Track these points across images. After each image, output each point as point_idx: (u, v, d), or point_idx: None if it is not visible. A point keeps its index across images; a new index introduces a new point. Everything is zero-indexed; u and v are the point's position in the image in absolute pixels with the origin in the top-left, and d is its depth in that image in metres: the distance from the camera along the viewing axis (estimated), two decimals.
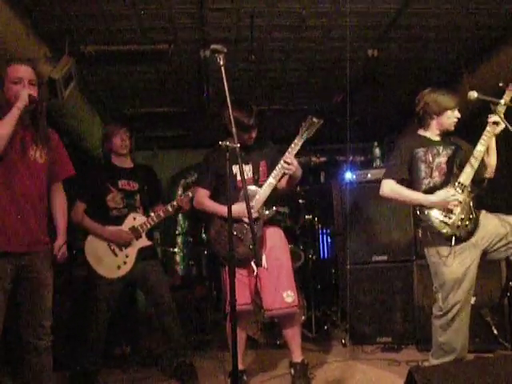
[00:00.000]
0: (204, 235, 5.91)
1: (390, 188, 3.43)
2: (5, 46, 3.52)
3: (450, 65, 5.04)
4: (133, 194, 3.99)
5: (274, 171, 3.48)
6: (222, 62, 2.63)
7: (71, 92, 4.38)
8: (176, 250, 7.07)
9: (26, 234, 2.75)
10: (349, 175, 5.00)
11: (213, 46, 2.65)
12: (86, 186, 3.97)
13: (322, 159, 6.82)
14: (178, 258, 7.44)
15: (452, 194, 3.22)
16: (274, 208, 3.56)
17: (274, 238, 3.61)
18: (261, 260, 3.20)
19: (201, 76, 5.02)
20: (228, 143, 2.66)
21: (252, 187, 3.51)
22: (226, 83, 2.60)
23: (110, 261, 3.84)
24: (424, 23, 4.24)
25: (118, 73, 4.99)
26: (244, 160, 3.51)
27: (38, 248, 2.83)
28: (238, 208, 3.33)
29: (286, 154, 3.45)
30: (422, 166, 3.40)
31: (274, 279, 3.50)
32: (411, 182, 3.43)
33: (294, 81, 5.46)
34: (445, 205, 3.22)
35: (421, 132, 3.52)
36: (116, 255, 3.85)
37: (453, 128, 3.45)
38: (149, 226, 3.92)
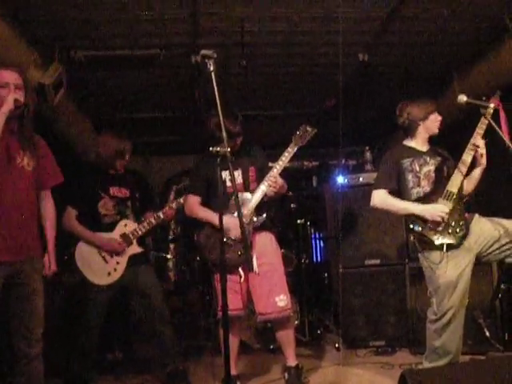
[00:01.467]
0: None
1: (380, 198, 3.49)
2: None
3: (440, 69, 5.06)
4: (124, 201, 3.98)
5: (266, 178, 3.50)
6: (211, 68, 2.62)
7: (61, 97, 4.36)
8: (168, 255, 7.04)
9: (16, 243, 2.73)
10: (341, 179, 5.01)
11: (203, 52, 2.64)
12: (77, 193, 3.95)
13: (314, 163, 6.86)
14: (170, 264, 7.41)
15: (440, 210, 3.23)
16: (265, 215, 3.57)
17: (266, 243, 3.62)
18: (252, 265, 3.20)
19: (192, 81, 5.01)
20: (218, 148, 2.66)
21: (243, 194, 3.52)
22: (215, 89, 2.60)
23: (101, 268, 3.82)
24: (415, 28, 4.25)
25: (109, 78, 4.97)
26: (233, 166, 3.52)
27: (28, 255, 2.81)
28: (228, 220, 3.33)
29: (274, 170, 3.49)
30: (409, 176, 3.45)
31: (266, 284, 3.51)
32: (401, 193, 3.47)
33: (286, 86, 5.46)
34: (433, 217, 3.23)
35: (407, 142, 3.59)
36: (106, 262, 3.84)
37: (437, 131, 3.51)
38: (140, 232, 3.91)
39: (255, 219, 3.54)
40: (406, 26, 4.23)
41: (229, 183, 3.54)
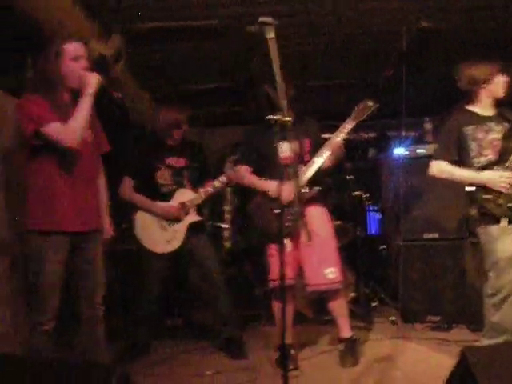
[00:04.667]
0: None
1: (438, 168, 3.38)
2: (57, 25, 3.56)
3: (508, 34, 4.80)
4: (181, 171, 4.03)
5: (321, 151, 3.45)
6: (270, 35, 2.57)
7: (121, 69, 4.42)
8: (225, 225, 7.12)
9: (83, 213, 2.81)
10: (399, 150, 4.90)
11: (261, 19, 2.59)
12: (134, 163, 4.03)
13: (372, 135, 6.72)
14: (226, 234, 7.49)
15: (500, 176, 3.10)
16: (317, 187, 3.53)
17: (317, 216, 3.60)
18: (307, 235, 3.19)
19: (249, 51, 4.97)
20: (276, 117, 2.59)
21: (298, 166, 3.49)
22: (275, 57, 2.55)
23: (160, 236, 3.91)
24: None
25: (167, 49, 5.00)
26: (289, 137, 3.50)
27: (96, 226, 2.91)
28: (283, 188, 3.31)
29: (337, 137, 3.41)
30: (472, 145, 3.29)
31: (316, 255, 3.50)
32: (462, 161, 3.33)
33: (345, 54, 5.35)
34: (494, 185, 3.11)
35: (470, 107, 3.41)
36: (165, 230, 3.91)
37: (503, 94, 3.32)
38: (198, 201, 3.96)
39: (307, 191, 3.51)
40: None
41: (282, 154, 3.51)
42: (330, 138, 3.50)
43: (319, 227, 3.55)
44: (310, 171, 3.49)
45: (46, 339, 2.70)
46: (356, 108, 3.50)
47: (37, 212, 2.72)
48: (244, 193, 6.68)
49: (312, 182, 3.52)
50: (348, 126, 3.47)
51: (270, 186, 3.51)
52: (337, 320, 3.66)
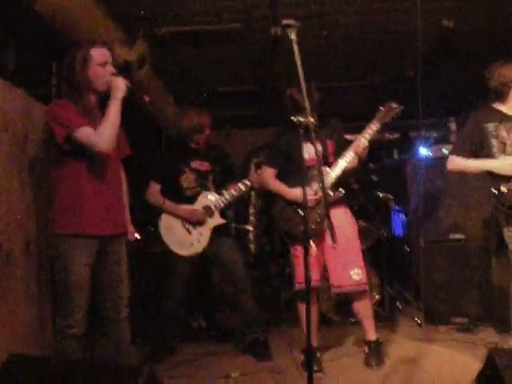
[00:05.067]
0: None
1: (453, 162, 3.40)
2: (82, 30, 3.62)
3: None
4: (206, 174, 4.07)
5: (346, 153, 3.45)
6: (293, 37, 2.58)
7: (146, 74, 4.47)
8: (249, 227, 7.14)
9: (110, 217, 2.85)
10: (424, 151, 4.88)
11: (284, 21, 2.61)
12: (159, 167, 4.07)
13: (395, 135, 6.68)
14: (251, 236, 7.52)
15: (510, 164, 3.09)
16: (342, 190, 3.53)
17: (341, 217, 3.60)
18: (333, 236, 3.21)
19: (272, 53, 4.99)
20: (302, 118, 2.59)
21: (322, 167, 3.49)
22: (298, 58, 2.56)
23: (184, 238, 3.94)
24: None
25: (191, 54, 5.04)
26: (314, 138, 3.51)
27: (122, 230, 2.95)
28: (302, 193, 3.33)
29: (362, 138, 3.41)
30: (494, 142, 3.28)
31: (341, 257, 3.51)
32: (482, 158, 3.31)
33: (366, 55, 5.34)
34: (504, 171, 3.11)
35: (496, 105, 3.39)
36: (190, 233, 3.95)
37: None
38: (222, 204, 3.99)
39: (332, 194, 3.51)
40: None
41: (307, 156, 3.53)
42: (353, 140, 3.50)
43: (344, 229, 3.55)
44: (334, 173, 3.49)
45: (74, 343, 2.72)
46: (380, 110, 3.49)
47: (65, 216, 2.75)
48: (269, 195, 6.72)
49: (337, 183, 3.53)
50: (373, 127, 3.46)
51: (294, 193, 3.52)
52: (362, 322, 3.66)
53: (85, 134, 2.66)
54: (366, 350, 3.62)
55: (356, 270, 3.50)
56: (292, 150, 3.51)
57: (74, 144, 2.68)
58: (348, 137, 3.65)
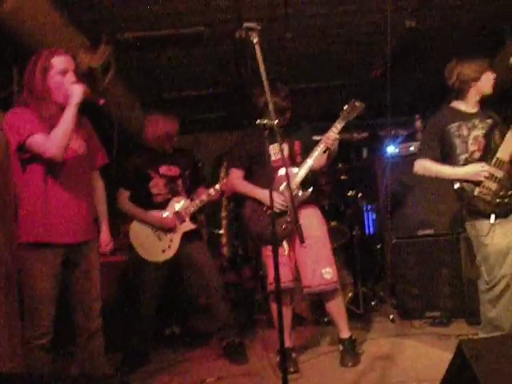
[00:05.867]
0: None
1: (421, 166, 3.40)
2: (45, 38, 3.57)
3: (492, 31, 4.85)
4: (175, 180, 4.04)
5: (312, 152, 3.48)
6: (255, 40, 2.59)
7: (111, 79, 4.43)
8: (221, 231, 7.12)
9: (73, 225, 2.80)
10: (391, 149, 4.93)
11: (246, 24, 2.61)
12: (128, 174, 4.03)
13: (364, 135, 6.75)
14: (223, 240, 7.49)
15: (480, 167, 3.11)
16: (310, 189, 3.55)
17: (311, 217, 3.61)
18: (300, 236, 3.22)
19: (237, 57, 5.00)
20: (265, 121, 2.62)
21: (289, 168, 3.50)
22: (260, 61, 2.57)
23: (155, 245, 3.91)
24: None
25: (156, 58, 5.02)
26: (281, 139, 3.52)
27: (85, 237, 2.90)
28: (273, 193, 3.32)
29: (331, 133, 3.44)
30: (457, 142, 3.30)
31: (311, 256, 3.52)
32: (448, 159, 3.34)
33: (332, 57, 5.38)
34: (473, 177, 3.13)
35: (455, 104, 3.42)
36: (160, 239, 3.92)
37: (491, 91, 3.34)
38: (192, 210, 3.97)
39: (300, 193, 3.53)
40: None
41: (273, 157, 3.55)
42: (320, 140, 3.52)
43: (313, 228, 3.56)
44: (301, 172, 3.50)
45: (43, 354, 2.69)
46: (344, 109, 3.53)
47: (27, 224, 2.73)
48: (240, 198, 6.71)
49: (305, 182, 3.54)
50: (338, 126, 3.48)
51: (262, 194, 3.52)
52: (335, 321, 3.67)
53: (36, 140, 2.64)
54: (341, 347, 3.63)
55: (327, 269, 3.51)
56: (258, 151, 3.51)
57: (28, 151, 2.67)
58: (315, 138, 3.67)
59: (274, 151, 3.53)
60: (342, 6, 4.22)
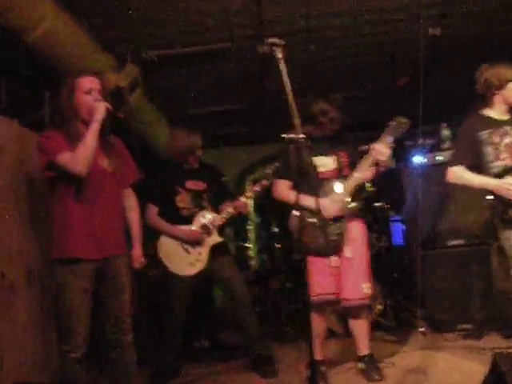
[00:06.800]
0: (275, 229, 5.97)
1: (454, 174, 3.34)
2: (74, 60, 3.67)
3: None
4: (201, 194, 4.07)
5: (360, 165, 3.42)
6: (280, 55, 2.59)
7: (138, 97, 4.50)
8: (249, 244, 7.13)
9: (102, 242, 2.86)
10: (418, 159, 4.89)
11: (270, 40, 2.62)
12: (155, 189, 4.08)
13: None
14: (251, 253, 7.50)
15: (510, 184, 3.05)
16: (355, 203, 3.51)
17: (357, 230, 3.59)
18: (350, 250, 3.18)
19: (261, 71, 5.02)
20: (292, 135, 2.59)
21: (337, 181, 3.49)
22: (285, 75, 2.57)
23: (183, 259, 3.94)
24: None
25: (181, 75, 5.08)
26: (327, 151, 3.55)
27: (116, 252, 2.94)
28: (322, 201, 3.31)
29: (380, 146, 3.35)
30: (489, 149, 3.24)
31: (355, 271, 3.49)
32: (479, 166, 3.28)
33: (355, 67, 5.37)
34: (501, 193, 3.07)
35: (485, 112, 3.36)
36: (189, 253, 3.94)
37: None
38: (219, 223, 3.98)
39: (348, 206, 3.49)
40: None
41: (321, 169, 3.53)
42: (367, 151, 3.45)
43: (359, 242, 3.55)
44: (349, 185, 3.46)
45: (77, 367, 2.76)
46: (390, 124, 3.39)
47: (57, 241, 2.84)
48: (267, 211, 6.71)
49: (353, 195, 3.49)
50: (384, 139, 3.34)
51: (312, 202, 3.42)
52: (356, 338, 3.63)
53: (63, 158, 2.75)
54: (362, 365, 3.59)
55: (368, 284, 3.51)
56: (304, 164, 3.46)
57: (56, 170, 2.78)
58: (361, 148, 3.64)
59: (321, 163, 3.51)
60: (363, 16, 4.23)
